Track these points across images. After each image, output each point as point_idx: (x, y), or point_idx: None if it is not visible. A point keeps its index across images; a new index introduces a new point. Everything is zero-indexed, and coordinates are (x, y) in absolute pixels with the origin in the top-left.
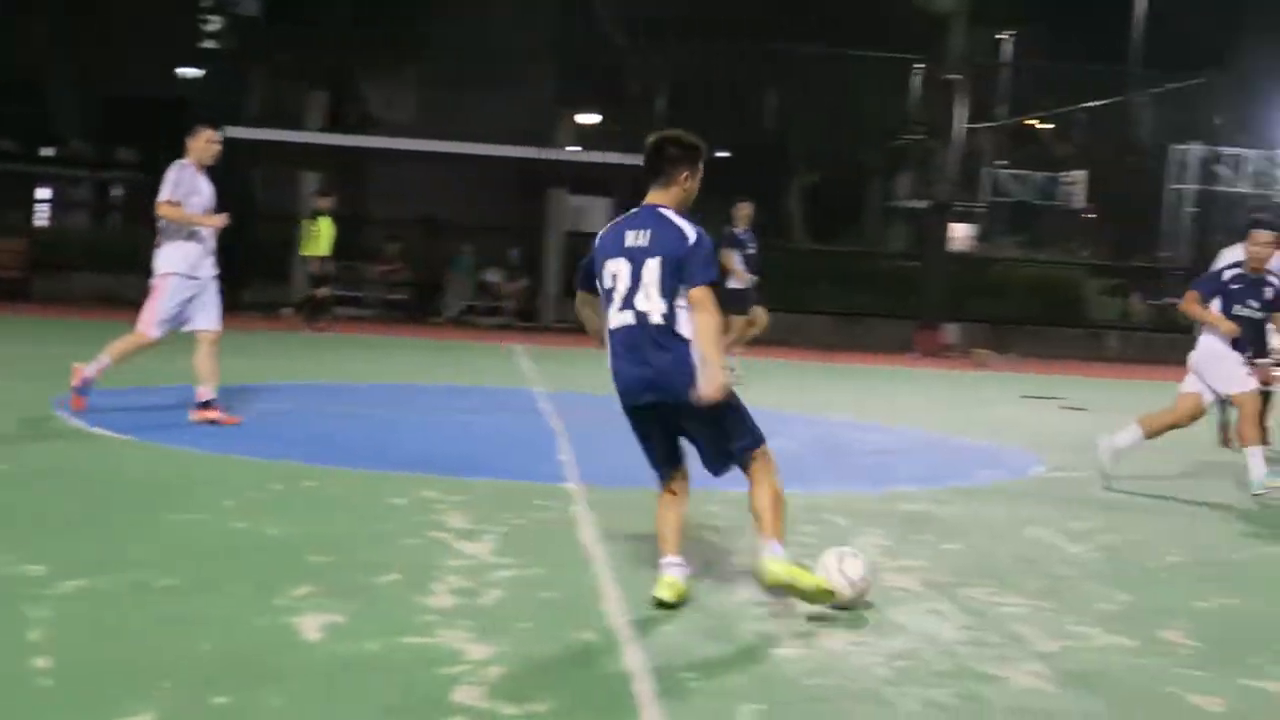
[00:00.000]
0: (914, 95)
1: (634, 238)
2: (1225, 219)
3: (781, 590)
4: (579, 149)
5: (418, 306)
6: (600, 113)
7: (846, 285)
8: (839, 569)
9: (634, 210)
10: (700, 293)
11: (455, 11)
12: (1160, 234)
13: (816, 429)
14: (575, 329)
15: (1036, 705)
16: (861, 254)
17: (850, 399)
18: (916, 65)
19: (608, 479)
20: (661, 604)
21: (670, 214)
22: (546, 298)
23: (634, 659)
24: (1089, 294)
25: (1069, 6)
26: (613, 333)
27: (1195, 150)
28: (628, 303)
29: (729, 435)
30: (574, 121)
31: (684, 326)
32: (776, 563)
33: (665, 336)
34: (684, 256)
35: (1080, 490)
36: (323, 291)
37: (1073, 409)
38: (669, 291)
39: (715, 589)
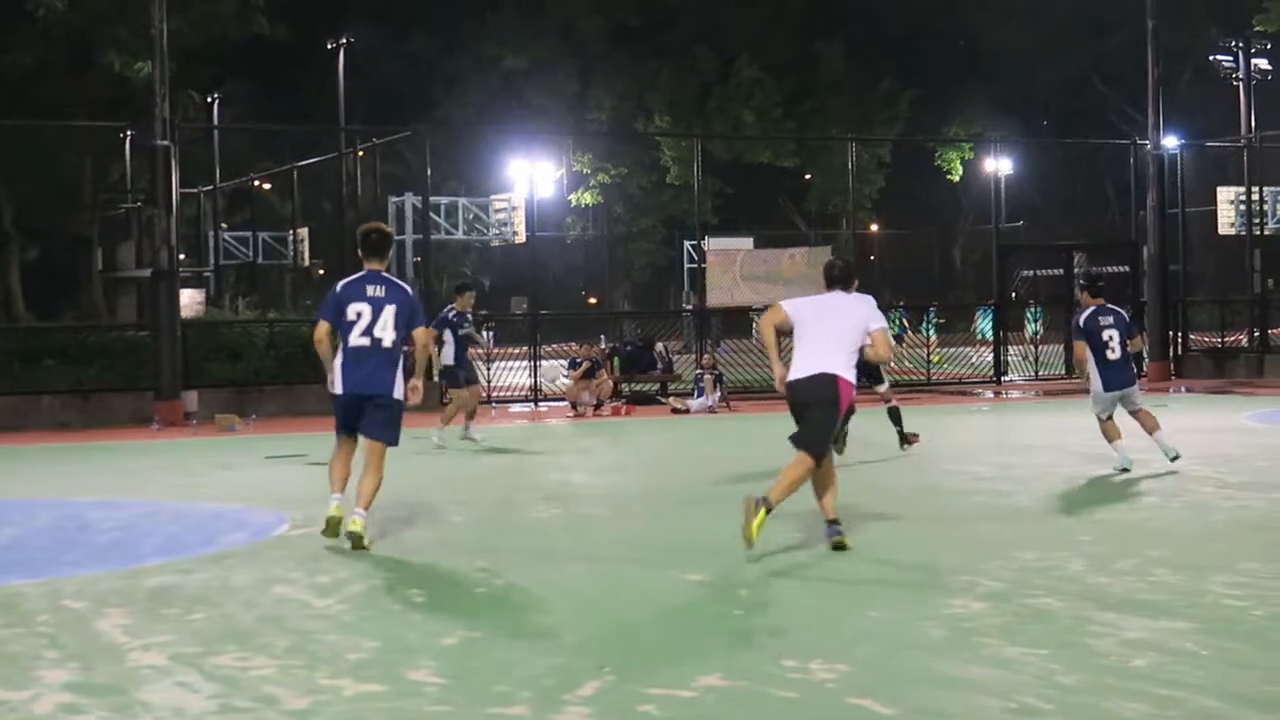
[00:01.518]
0: (127, 162)
1: (373, 290)
2: (449, 265)
3: None
4: None
5: None
6: None
7: (76, 361)
8: None
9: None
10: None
11: None
12: None
13: (54, 512)
14: None
15: None
16: (89, 327)
17: (90, 478)
18: (126, 132)
19: None
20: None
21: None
22: None
23: None
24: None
25: (275, 67)
26: (349, 349)
27: (410, 200)
28: (366, 331)
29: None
30: None
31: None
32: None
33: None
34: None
35: (326, 545)
36: None
37: (317, 464)
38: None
39: None
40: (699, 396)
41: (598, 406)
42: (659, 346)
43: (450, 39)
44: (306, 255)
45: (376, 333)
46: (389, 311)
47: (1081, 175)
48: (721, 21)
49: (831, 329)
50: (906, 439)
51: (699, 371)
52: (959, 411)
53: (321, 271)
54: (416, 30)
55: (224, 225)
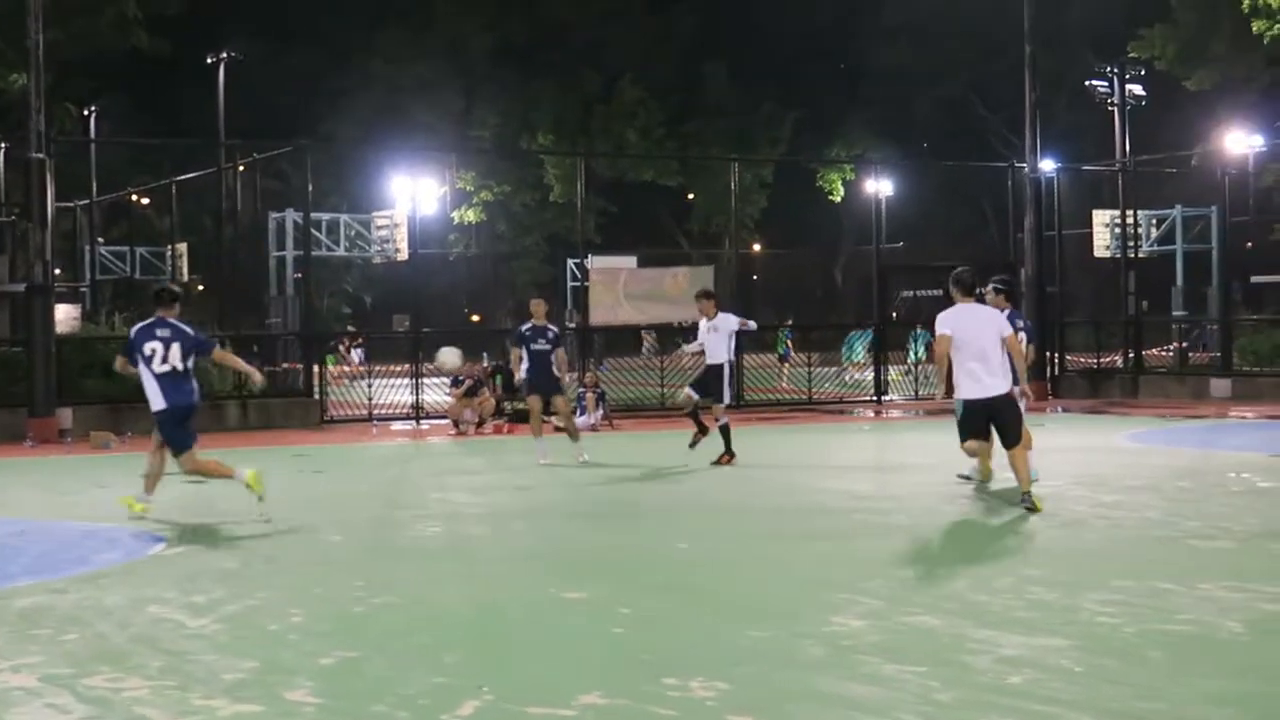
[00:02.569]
0: (0, 175)
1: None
2: (331, 282)
3: None
4: None
5: None
6: None
7: None
8: None
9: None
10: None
11: None
12: (268, 301)
13: None
14: None
15: None
16: None
17: None
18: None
19: None
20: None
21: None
22: None
23: None
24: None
25: (153, 81)
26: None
27: (291, 216)
28: (164, 360)
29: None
30: None
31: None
32: None
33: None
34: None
35: (201, 563)
36: None
37: (193, 482)
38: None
39: None
40: (581, 414)
41: (480, 425)
42: None
43: (335, 55)
44: (185, 270)
45: (171, 361)
46: (175, 347)
47: (961, 197)
48: (606, 41)
49: (990, 338)
50: (723, 459)
51: (581, 390)
52: (840, 430)
53: (201, 287)
54: (300, 45)
55: (100, 240)
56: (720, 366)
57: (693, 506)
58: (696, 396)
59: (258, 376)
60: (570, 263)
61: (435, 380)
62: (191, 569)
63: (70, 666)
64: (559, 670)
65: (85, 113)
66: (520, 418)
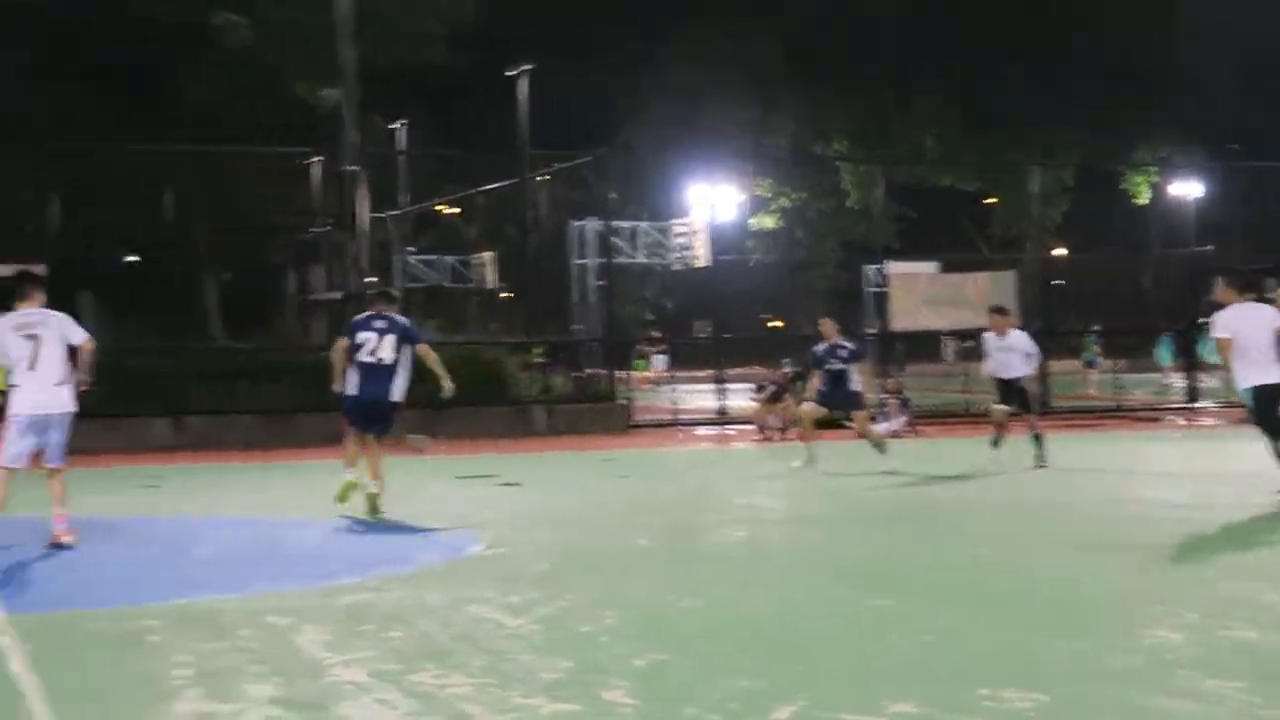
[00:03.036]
0: (315, 187)
1: (378, 324)
2: (631, 289)
3: None
4: None
5: None
6: None
7: (269, 381)
8: None
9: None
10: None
11: None
12: (570, 308)
13: (249, 530)
14: None
15: None
16: (282, 349)
17: (282, 496)
18: (313, 159)
19: (38, 605)
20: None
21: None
22: None
23: None
24: (511, 371)
25: (457, 94)
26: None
27: (592, 224)
28: (372, 353)
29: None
30: None
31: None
32: None
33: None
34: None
35: (517, 565)
36: None
37: (509, 485)
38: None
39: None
40: (883, 421)
41: (783, 430)
42: None
43: (633, 65)
44: (490, 278)
45: (381, 354)
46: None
47: (1275, 198)
48: (902, 45)
49: (1265, 335)
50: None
51: (883, 396)
52: (1150, 438)
53: (506, 294)
54: (598, 57)
55: (410, 249)
56: (1016, 380)
57: (996, 514)
58: (1007, 408)
59: (449, 386)
60: (867, 269)
61: (739, 385)
62: (507, 570)
63: (397, 663)
64: (868, 677)
65: (392, 126)
66: (824, 424)
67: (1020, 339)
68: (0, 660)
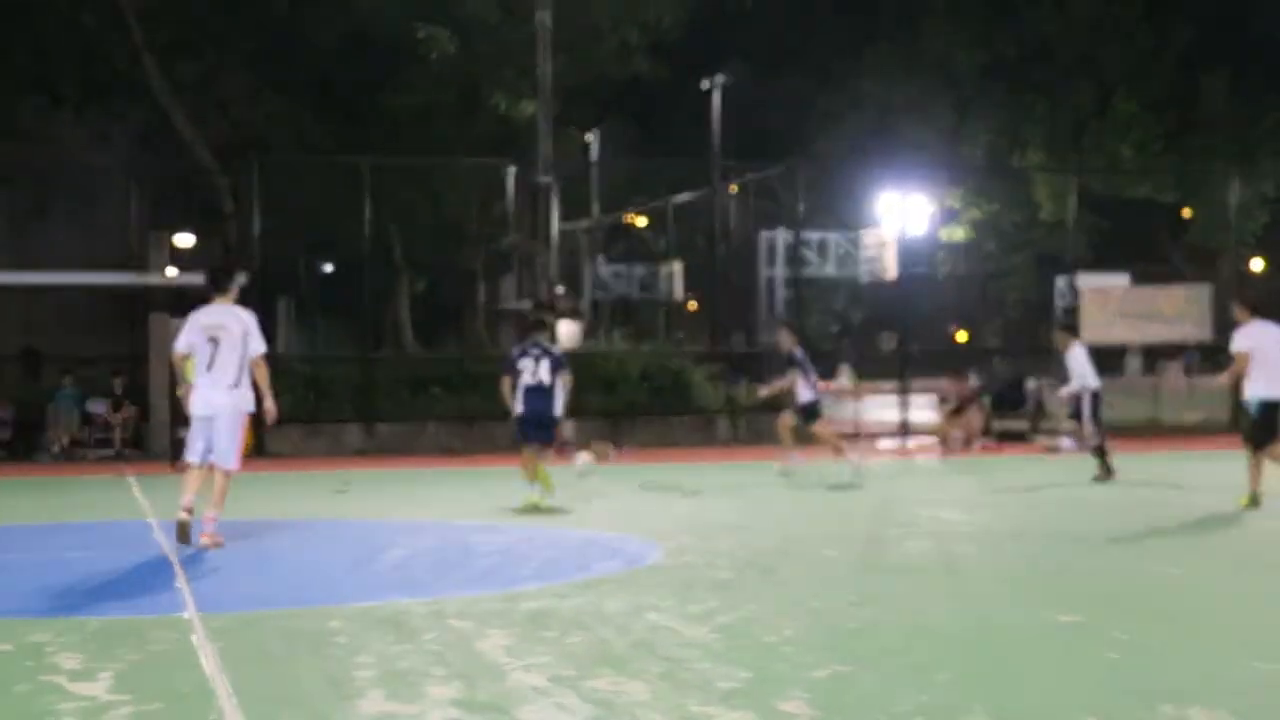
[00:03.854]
0: (509, 198)
1: (534, 351)
2: (817, 299)
3: None
4: (175, 272)
5: (21, 445)
6: (196, 233)
7: (461, 389)
8: None
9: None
10: None
11: (27, 139)
12: (758, 320)
13: (437, 535)
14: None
15: None
16: (473, 357)
17: (470, 502)
18: (508, 169)
19: (228, 605)
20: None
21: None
22: (158, 425)
23: None
24: (696, 381)
25: (649, 105)
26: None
27: (782, 235)
28: (533, 375)
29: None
30: (170, 244)
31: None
32: None
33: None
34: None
35: (696, 574)
36: None
37: (689, 494)
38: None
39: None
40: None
41: (967, 444)
42: (1030, 384)
43: (826, 76)
44: (678, 289)
45: (540, 377)
46: (544, 364)
47: None
48: (1098, 55)
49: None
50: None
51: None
52: None
53: (693, 305)
54: (790, 68)
55: (601, 259)
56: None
57: (1185, 531)
58: None
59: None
60: (1058, 281)
61: (923, 399)
62: (687, 578)
63: (575, 668)
64: (1053, 692)
65: (586, 137)
66: (1009, 438)
67: None
68: (191, 658)
